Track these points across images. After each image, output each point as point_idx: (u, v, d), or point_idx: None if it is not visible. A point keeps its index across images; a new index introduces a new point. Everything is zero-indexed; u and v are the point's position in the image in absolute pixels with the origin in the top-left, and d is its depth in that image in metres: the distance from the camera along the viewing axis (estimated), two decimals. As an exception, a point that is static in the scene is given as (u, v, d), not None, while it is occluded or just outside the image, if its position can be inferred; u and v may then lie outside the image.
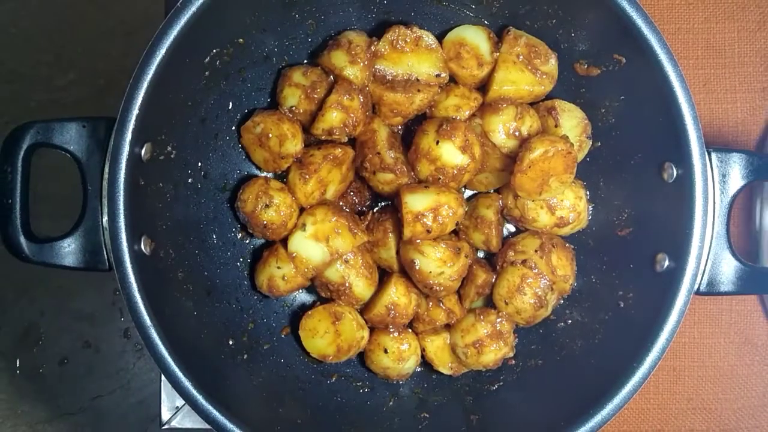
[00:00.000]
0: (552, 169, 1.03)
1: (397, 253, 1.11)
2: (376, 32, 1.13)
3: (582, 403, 0.96)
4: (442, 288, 1.08)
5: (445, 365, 1.15)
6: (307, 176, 1.08)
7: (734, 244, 0.97)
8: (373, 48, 1.08)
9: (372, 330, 1.14)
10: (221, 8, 0.96)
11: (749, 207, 1.25)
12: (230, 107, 1.12)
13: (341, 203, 1.17)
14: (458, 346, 1.12)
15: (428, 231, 1.04)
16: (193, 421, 1.24)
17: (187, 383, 0.92)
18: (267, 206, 1.08)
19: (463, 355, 1.11)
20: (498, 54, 1.10)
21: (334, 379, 1.16)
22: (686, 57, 1.27)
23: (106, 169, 0.91)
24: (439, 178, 1.06)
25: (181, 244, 1.07)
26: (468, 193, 1.20)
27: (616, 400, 0.94)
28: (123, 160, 0.90)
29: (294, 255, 1.08)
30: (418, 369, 1.18)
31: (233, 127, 1.14)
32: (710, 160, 0.95)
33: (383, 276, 1.15)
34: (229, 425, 0.92)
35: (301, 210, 1.11)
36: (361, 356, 1.16)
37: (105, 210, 0.91)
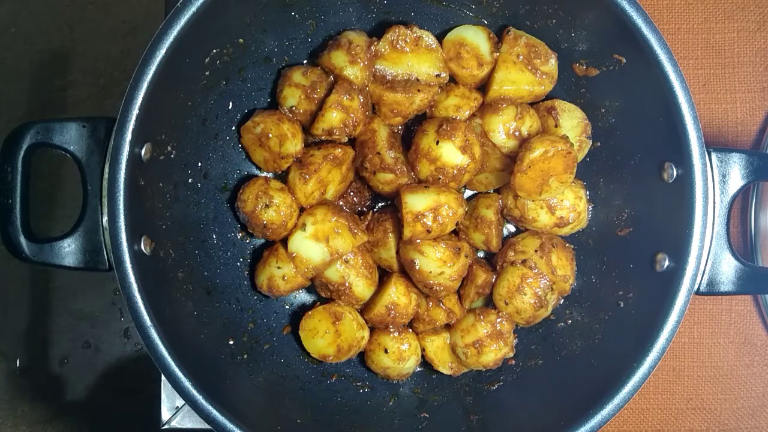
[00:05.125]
0: (552, 169, 1.03)
1: (397, 253, 1.11)
2: (376, 32, 1.13)
3: (582, 403, 0.96)
4: (442, 288, 1.08)
5: (445, 365, 1.15)
6: (307, 176, 1.08)
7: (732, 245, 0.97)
8: (373, 48, 1.08)
9: (372, 330, 1.14)
10: (221, 8, 0.96)
11: (746, 207, 1.25)
12: (230, 107, 1.12)
13: (341, 203, 1.17)
14: (458, 346, 1.12)
15: (428, 231, 1.04)
16: (193, 421, 1.24)
17: (187, 383, 0.92)
18: (267, 206, 1.08)
19: (463, 355, 1.11)
20: (498, 54, 1.10)
21: (334, 379, 1.16)
22: (686, 57, 1.27)
23: (106, 169, 0.91)
24: (439, 178, 1.06)
25: (181, 244, 1.07)
26: (468, 193, 1.20)
27: (616, 400, 0.94)
28: (123, 160, 0.90)
29: (294, 255, 1.08)
30: (418, 369, 1.18)
31: (233, 127, 1.14)
32: (710, 160, 0.95)
33: (383, 276, 1.15)
34: (229, 425, 0.92)
35: (301, 210, 1.12)
36: (361, 356, 1.16)
37: (105, 210, 0.91)
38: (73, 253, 0.95)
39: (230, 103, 1.12)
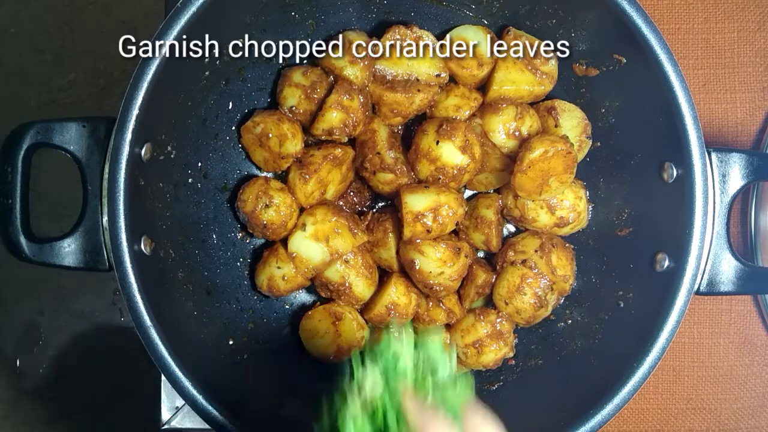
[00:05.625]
0: (552, 169, 1.03)
1: (397, 253, 1.11)
2: (376, 32, 1.13)
3: (582, 403, 0.96)
4: (442, 288, 1.08)
5: (445, 365, 1.15)
6: (307, 176, 1.08)
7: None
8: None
9: (372, 330, 1.14)
10: (221, 8, 0.96)
11: (746, 207, 1.25)
12: (230, 107, 1.12)
13: (341, 203, 1.17)
14: (458, 346, 1.12)
15: (428, 231, 1.04)
16: (193, 421, 1.23)
17: (187, 383, 0.92)
18: (267, 206, 1.08)
19: (463, 355, 1.11)
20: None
21: (334, 379, 1.16)
22: (686, 57, 1.27)
23: (106, 169, 0.91)
24: (439, 178, 1.06)
25: (181, 244, 1.07)
26: (468, 193, 1.20)
27: (616, 400, 0.94)
28: (123, 160, 0.90)
29: (294, 255, 1.08)
30: (418, 369, 1.18)
31: (233, 127, 1.14)
32: (710, 160, 0.96)
33: (383, 276, 1.15)
34: (229, 425, 0.92)
35: (301, 210, 1.11)
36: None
37: (105, 210, 0.91)
38: (73, 253, 0.95)
39: (230, 103, 1.12)
